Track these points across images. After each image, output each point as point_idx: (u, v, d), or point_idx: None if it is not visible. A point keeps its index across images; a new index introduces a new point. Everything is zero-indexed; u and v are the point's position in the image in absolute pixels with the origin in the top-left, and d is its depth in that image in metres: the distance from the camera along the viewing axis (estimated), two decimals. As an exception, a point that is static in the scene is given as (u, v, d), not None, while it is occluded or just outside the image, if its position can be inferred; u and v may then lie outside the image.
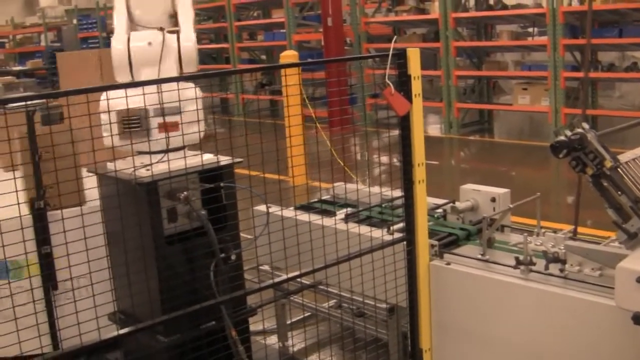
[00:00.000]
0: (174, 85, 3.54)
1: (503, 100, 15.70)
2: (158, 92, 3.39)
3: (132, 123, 3.66)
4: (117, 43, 3.85)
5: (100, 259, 3.44)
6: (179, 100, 3.51)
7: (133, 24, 4.01)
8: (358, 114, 14.45)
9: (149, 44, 3.84)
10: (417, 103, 3.78)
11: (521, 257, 3.59)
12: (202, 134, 3.82)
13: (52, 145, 2.97)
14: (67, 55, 4.76)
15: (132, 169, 3.56)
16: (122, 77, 3.84)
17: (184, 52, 3.89)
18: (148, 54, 3.82)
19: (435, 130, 14.37)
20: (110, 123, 3.49)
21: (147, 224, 3.63)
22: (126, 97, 3.15)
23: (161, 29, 3.88)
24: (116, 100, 3.44)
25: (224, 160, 3.82)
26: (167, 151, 3.62)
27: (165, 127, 3.63)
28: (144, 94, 3.19)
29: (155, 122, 3.62)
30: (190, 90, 3.73)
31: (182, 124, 3.69)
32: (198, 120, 3.76)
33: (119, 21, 3.95)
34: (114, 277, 3.94)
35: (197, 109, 3.74)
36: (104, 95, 3.65)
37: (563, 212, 8.57)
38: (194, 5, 4.10)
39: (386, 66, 3.69)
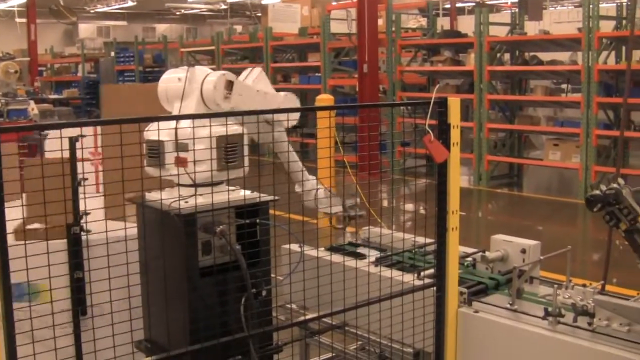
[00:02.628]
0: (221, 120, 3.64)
1: (533, 155, 15.73)
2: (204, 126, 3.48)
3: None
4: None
5: (132, 286, 3.52)
6: (216, 135, 3.60)
7: None
8: (388, 161, 14.51)
9: (178, 79, 3.94)
10: (455, 151, 3.84)
11: (550, 309, 3.61)
12: (246, 169, 3.88)
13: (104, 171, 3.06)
14: (111, 87, 4.90)
15: (175, 200, 3.63)
16: (167, 109, 3.93)
17: (206, 88, 3.95)
18: (176, 89, 3.92)
19: (464, 181, 14.40)
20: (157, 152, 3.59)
21: (182, 255, 3.69)
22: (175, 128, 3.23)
23: (191, 66, 4.00)
24: (163, 132, 3.55)
25: (263, 197, 3.88)
26: (210, 184, 3.69)
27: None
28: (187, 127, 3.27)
29: (202, 155, 3.67)
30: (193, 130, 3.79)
31: (227, 159, 3.77)
32: (242, 157, 3.83)
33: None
34: (144, 305, 4.01)
35: (244, 145, 3.82)
36: (152, 127, 3.73)
37: (589, 269, 8.56)
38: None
39: (423, 115, 3.77)
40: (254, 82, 4.15)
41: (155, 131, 3.61)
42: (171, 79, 3.97)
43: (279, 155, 4.26)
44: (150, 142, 3.74)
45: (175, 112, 3.87)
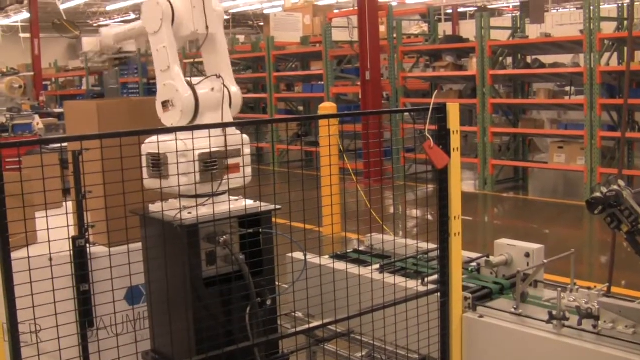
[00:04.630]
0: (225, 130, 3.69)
1: (538, 158, 15.71)
2: (221, 136, 3.53)
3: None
4: (184, 90, 3.89)
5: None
6: (225, 145, 3.62)
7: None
8: (391, 167, 14.50)
9: (212, 89, 3.95)
10: (455, 157, 3.85)
11: (554, 312, 3.61)
12: (247, 179, 3.91)
13: (104, 184, 3.09)
14: (73, 104, 4.99)
15: (177, 211, 3.65)
16: (186, 122, 3.93)
17: (234, 98, 4.02)
18: (211, 99, 3.93)
19: (469, 186, 14.39)
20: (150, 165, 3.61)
21: (186, 265, 3.70)
22: (175, 140, 3.25)
23: (218, 76, 3.99)
24: (166, 144, 3.58)
25: (265, 206, 3.90)
26: (211, 195, 3.71)
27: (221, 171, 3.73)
28: (209, 137, 3.32)
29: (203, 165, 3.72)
30: (238, 137, 3.85)
31: (227, 168, 3.79)
32: (243, 166, 3.85)
33: (176, 64, 4.02)
34: (150, 316, 4.03)
35: (243, 155, 3.85)
36: (151, 139, 3.75)
37: (596, 272, 8.55)
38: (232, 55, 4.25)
39: (424, 121, 3.78)
40: None
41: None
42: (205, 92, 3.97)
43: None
44: (204, 154, 3.73)
45: (215, 121, 3.89)
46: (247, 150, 3.89)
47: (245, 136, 3.90)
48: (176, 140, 3.51)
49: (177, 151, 3.53)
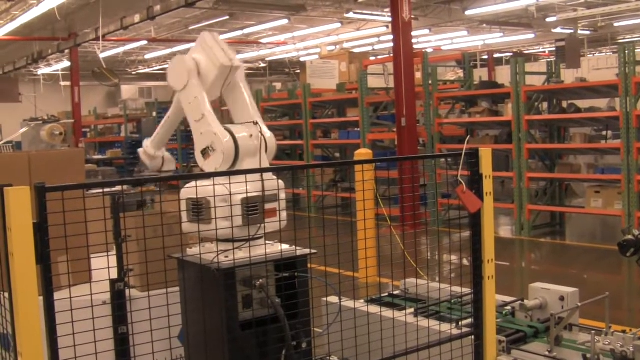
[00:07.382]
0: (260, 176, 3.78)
1: (575, 203, 15.61)
2: (259, 181, 3.61)
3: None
4: (222, 134, 4.02)
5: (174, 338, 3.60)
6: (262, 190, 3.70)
7: None
8: (428, 213, 14.47)
9: (250, 136, 4.06)
10: (488, 201, 3.89)
11: (589, 355, 3.61)
12: (283, 223, 3.98)
13: (144, 227, 3.17)
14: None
15: (215, 255, 3.72)
16: (227, 166, 4.05)
17: (269, 144, 4.12)
18: (250, 145, 4.04)
19: (506, 231, 14.31)
20: (192, 209, 3.69)
21: (223, 308, 3.76)
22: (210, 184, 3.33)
23: (255, 123, 4.10)
24: (205, 189, 3.67)
25: (300, 250, 3.96)
26: (248, 239, 3.78)
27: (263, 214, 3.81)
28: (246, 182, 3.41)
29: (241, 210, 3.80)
30: (275, 182, 3.94)
31: (263, 212, 3.87)
32: (279, 210, 3.92)
33: (210, 111, 4.16)
34: (188, 358, 4.08)
35: (279, 200, 3.93)
36: (189, 184, 3.85)
37: (636, 317, 8.45)
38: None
39: (459, 166, 3.84)
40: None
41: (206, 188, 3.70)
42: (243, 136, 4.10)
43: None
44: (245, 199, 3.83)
45: (253, 167, 4.00)
46: (282, 195, 3.98)
47: (281, 182, 3.98)
48: (214, 185, 3.60)
49: (214, 196, 3.62)
